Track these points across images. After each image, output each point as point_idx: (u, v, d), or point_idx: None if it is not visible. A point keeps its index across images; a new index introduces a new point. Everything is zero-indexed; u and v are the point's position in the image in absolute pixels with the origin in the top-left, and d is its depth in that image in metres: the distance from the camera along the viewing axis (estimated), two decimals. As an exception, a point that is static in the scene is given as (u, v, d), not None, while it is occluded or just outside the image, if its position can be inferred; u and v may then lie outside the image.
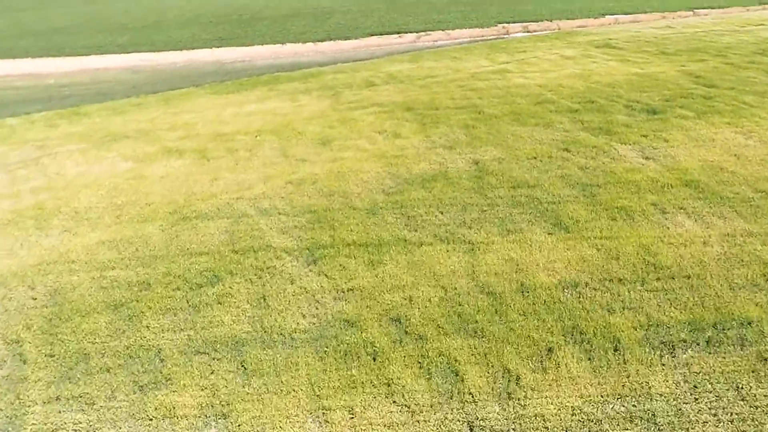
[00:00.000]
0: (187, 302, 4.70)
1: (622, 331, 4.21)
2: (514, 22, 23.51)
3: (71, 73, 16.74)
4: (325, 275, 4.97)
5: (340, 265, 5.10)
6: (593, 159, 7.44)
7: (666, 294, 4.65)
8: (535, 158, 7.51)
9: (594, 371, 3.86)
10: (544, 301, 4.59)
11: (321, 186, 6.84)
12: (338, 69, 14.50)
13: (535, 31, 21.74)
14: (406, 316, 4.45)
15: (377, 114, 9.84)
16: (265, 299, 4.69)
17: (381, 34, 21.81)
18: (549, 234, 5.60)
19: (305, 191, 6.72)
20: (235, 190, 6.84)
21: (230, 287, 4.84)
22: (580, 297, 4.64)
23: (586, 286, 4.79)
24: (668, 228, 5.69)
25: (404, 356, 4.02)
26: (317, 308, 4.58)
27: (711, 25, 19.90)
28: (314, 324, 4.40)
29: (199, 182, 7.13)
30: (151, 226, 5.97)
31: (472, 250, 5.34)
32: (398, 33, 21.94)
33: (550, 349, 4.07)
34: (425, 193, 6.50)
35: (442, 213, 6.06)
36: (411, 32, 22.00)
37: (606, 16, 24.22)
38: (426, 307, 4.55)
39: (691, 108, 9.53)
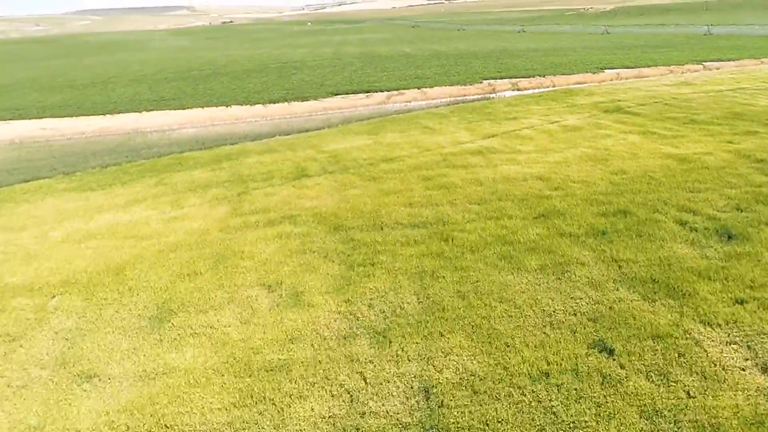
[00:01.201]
0: None
1: None
2: (501, 78, 20.51)
3: (-63, 149, 13.17)
4: None
5: None
6: (664, 382, 3.64)
7: None
8: (546, 376, 3.71)
9: None
10: None
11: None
12: (268, 147, 10.95)
13: (525, 88, 18.64)
14: None
15: (283, 240, 6.13)
16: None
17: (347, 93, 18.64)
18: None
19: None
20: None
21: None
22: None
23: None
24: None
25: None
26: None
27: (734, 82, 16.86)
28: None
29: None
30: None
31: None
32: (367, 92, 18.79)
33: None
34: None
35: None
36: (382, 90, 18.87)
37: (606, 71, 21.31)
38: None
39: (787, 226, 5.90)
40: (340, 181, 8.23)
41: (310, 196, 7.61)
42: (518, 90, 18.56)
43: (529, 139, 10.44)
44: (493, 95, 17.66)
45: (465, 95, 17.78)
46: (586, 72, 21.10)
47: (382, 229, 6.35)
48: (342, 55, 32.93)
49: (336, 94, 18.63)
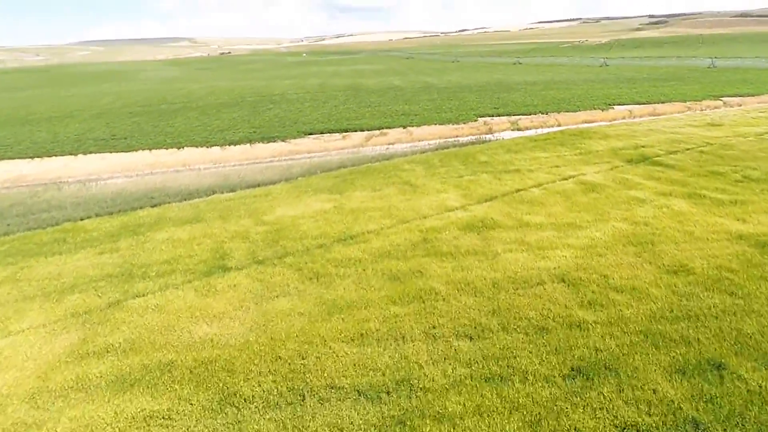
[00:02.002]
0: None
1: None
2: (498, 116, 18.18)
3: None
4: None
5: None
6: None
7: None
8: None
9: None
10: None
11: None
12: (195, 213, 8.31)
13: (527, 128, 16.25)
14: None
15: (120, 430, 3.44)
16: None
17: (321, 133, 16.20)
18: None
19: None
20: None
21: None
22: None
23: None
24: None
25: None
26: None
27: (769, 122, 14.54)
28: None
29: None
30: None
31: None
32: (345, 131, 16.36)
33: None
34: None
35: None
36: (363, 129, 16.46)
37: (615, 107, 19.06)
38: None
39: None
40: (268, 282, 5.57)
41: (213, 314, 4.93)
42: (518, 129, 16.18)
43: (539, 204, 7.87)
44: (490, 136, 15.22)
45: (457, 136, 15.35)
46: (594, 108, 18.83)
47: (303, 400, 3.66)
48: (327, 88, 30.85)
49: (309, 134, 16.18)
